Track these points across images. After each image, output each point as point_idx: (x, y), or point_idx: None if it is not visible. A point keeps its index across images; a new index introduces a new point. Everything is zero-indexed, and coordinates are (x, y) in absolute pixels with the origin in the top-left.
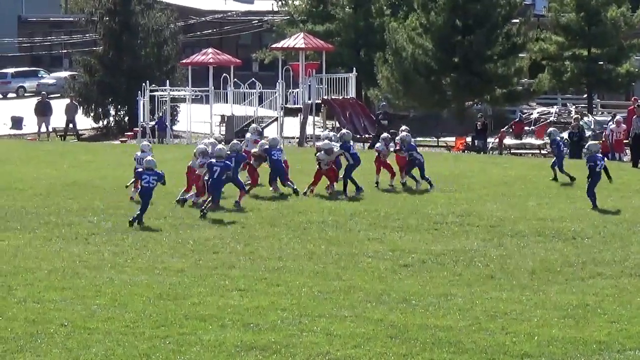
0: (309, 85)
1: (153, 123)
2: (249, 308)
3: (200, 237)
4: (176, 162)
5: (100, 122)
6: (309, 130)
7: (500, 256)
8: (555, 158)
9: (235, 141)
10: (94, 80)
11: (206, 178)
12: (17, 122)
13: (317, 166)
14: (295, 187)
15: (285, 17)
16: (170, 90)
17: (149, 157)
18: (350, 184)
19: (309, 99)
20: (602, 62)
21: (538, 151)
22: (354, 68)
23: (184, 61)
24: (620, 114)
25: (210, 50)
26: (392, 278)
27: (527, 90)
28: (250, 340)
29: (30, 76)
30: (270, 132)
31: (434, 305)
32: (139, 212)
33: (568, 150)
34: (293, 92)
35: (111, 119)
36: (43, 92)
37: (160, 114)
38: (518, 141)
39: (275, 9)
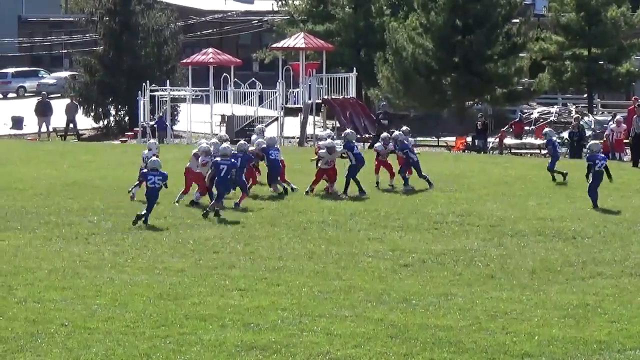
0: (309, 85)
1: (153, 123)
2: (249, 308)
3: (200, 237)
4: (176, 162)
5: (101, 122)
6: (309, 130)
7: (501, 256)
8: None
9: (242, 141)
10: (94, 80)
11: (210, 177)
12: (17, 122)
13: (316, 165)
14: (286, 187)
15: (286, 17)
16: (171, 90)
17: (154, 158)
18: (352, 184)
19: (309, 98)
20: (602, 62)
21: (538, 151)
22: (354, 68)
23: (184, 61)
24: (621, 113)
25: (210, 50)
26: (392, 278)
27: (528, 90)
28: (250, 340)
29: (31, 76)
30: (270, 132)
31: (434, 305)
32: (144, 212)
33: (567, 150)
34: (293, 92)
35: (111, 119)
36: (43, 92)
37: (161, 114)
38: (518, 141)
39: (275, 8)
